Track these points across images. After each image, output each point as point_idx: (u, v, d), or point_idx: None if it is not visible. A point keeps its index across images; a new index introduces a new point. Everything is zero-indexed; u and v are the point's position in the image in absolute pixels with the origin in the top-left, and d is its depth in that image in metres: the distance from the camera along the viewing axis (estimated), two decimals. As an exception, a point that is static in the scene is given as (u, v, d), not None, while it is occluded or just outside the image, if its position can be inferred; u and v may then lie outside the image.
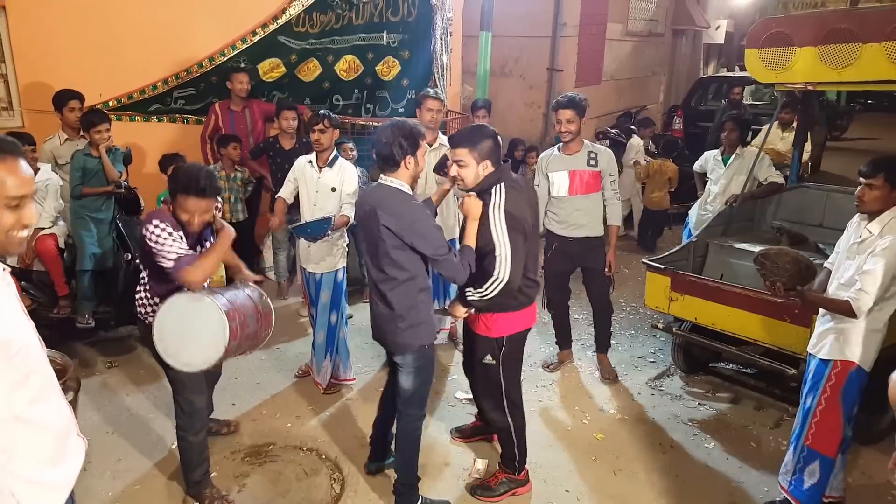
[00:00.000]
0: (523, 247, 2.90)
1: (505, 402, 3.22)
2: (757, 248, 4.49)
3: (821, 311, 3.02)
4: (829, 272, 3.10)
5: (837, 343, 2.91)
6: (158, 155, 5.14)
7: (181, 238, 2.78)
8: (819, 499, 3.05)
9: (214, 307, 2.71)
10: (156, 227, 2.72)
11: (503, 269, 2.84)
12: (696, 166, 5.63)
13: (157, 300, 2.92)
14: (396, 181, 2.85)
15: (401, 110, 6.30)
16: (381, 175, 2.89)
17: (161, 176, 4.90)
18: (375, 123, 6.31)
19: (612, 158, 4.39)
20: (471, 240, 2.90)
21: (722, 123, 5.42)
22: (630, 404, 4.26)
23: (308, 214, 4.10)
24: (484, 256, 2.89)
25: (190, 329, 2.73)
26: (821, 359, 2.98)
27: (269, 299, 3.09)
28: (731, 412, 4.19)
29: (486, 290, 2.88)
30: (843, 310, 2.82)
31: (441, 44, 6.12)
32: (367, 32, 6.02)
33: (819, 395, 2.96)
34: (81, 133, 4.62)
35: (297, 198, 4.25)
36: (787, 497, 3.11)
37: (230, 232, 2.93)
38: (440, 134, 4.51)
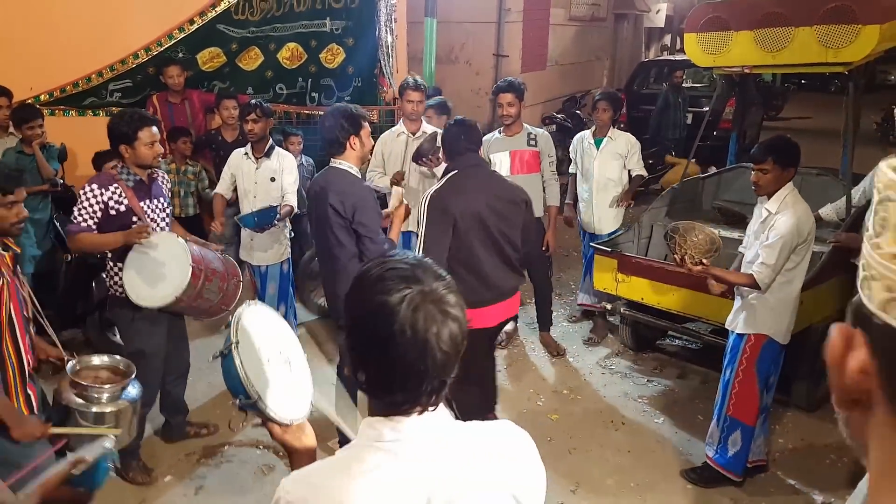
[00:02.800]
0: (449, 237, 2.92)
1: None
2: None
3: (736, 289, 3.16)
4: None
5: (750, 317, 3.07)
6: (95, 150, 4.93)
7: (100, 207, 3.01)
8: (743, 464, 3.24)
9: (174, 237, 3.04)
10: (89, 189, 3.01)
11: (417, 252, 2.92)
12: (571, 151, 5.02)
13: (119, 265, 3.07)
14: (345, 163, 2.97)
15: (347, 98, 6.21)
16: (331, 159, 3.01)
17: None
18: (321, 112, 6.22)
19: (550, 140, 4.62)
20: (395, 234, 3.10)
21: (595, 102, 4.84)
22: (582, 384, 4.36)
23: (247, 207, 4.05)
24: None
25: (157, 264, 2.97)
26: (737, 333, 3.15)
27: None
28: (679, 387, 4.33)
29: None
30: (748, 283, 2.97)
31: (386, 30, 6.06)
32: (309, 19, 5.91)
33: (736, 368, 3.13)
34: (11, 130, 4.42)
35: (234, 191, 4.20)
36: (712, 465, 3.28)
37: (124, 235, 2.99)
38: (423, 122, 4.49)
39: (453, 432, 1.09)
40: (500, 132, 4.51)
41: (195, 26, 5.54)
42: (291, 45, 5.94)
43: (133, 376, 2.59)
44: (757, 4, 4.04)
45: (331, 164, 3.02)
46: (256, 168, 4.06)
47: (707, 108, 8.36)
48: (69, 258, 4.39)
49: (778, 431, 3.81)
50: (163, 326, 3.25)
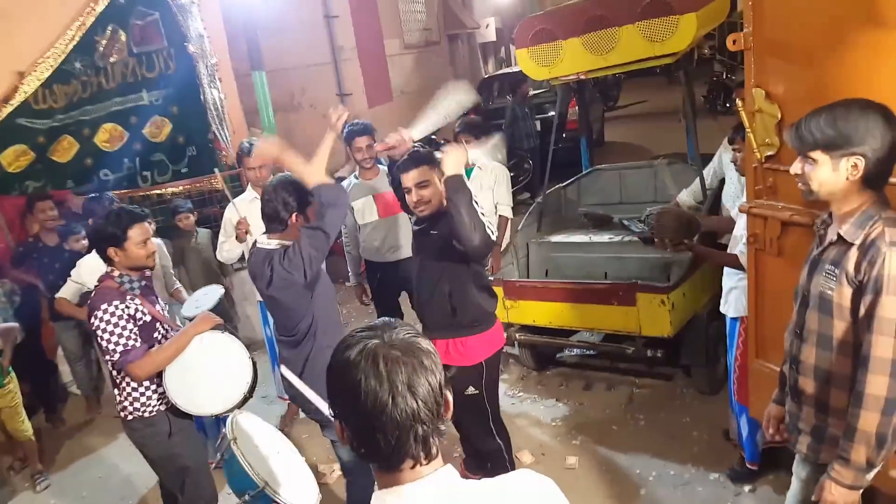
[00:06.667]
0: None
1: (492, 426, 3.06)
2: (572, 239, 4.62)
3: (725, 270, 3.07)
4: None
5: (740, 301, 2.94)
6: None
7: (133, 322, 2.57)
8: (755, 447, 3.11)
9: (237, 342, 2.74)
10: (112, 308, 2.53)
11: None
12: None
13: (146, 385, 2.66)
14: (275, 242, 2.66)
15: (184, 170, 5.73)
16: (265, 237, 2.70)
17: None
18: (158, 192, 5.66)
19: None
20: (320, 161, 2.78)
21: (457, 135, 4.45)
22: (494, 422, 4.15)
23: None
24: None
25: (203, 364, 2.62)
26: (730, 317, 3.06)
27: None
28: (587, 400, 4.23)
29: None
30: (732, 262, 2.90)
31: (211, 91, 5.64)
32: (122, 95, 5.38)
33: (735, 352, 3.03)
34: None
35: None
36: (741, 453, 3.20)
37: (195, 326, 2.68)
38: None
39: (463, 492, 1.04)
40: (356, 177, 4.21)
41: (-13, 125, 4.86)
42: (108, 125, 5.38)
43: None
44: (579, 10, 4.08)
45: (258, 246, 2.72)
46: None
47: (553, 114, 8.60)
48: None
49: (686, 412, 3.85)
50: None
